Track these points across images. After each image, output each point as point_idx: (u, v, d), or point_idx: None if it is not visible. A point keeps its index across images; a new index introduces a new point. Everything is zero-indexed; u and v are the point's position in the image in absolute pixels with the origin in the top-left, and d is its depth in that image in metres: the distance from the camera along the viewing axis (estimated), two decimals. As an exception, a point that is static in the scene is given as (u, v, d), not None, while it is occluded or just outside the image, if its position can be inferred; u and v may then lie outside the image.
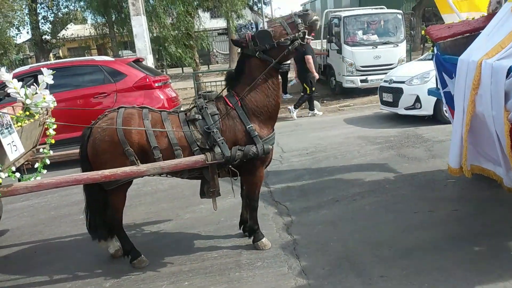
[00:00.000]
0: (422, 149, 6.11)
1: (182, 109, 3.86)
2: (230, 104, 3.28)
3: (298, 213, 4.19)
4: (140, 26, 9.56)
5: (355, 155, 6.12)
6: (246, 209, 3.71)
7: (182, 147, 3.18)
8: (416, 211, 4.02)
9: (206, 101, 3.37)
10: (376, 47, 10.92)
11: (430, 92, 5.31)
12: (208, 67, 27.16)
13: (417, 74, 7.72)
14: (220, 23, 23.92)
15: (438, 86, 4.39)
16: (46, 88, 3.49)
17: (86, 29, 21.97)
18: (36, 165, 3.67)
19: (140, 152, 3.15)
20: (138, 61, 7.66)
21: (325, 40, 12.30)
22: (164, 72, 20.93)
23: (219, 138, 3.15)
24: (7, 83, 3.39)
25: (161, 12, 11.73)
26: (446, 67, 3.92)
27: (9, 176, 2.91)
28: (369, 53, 10.86)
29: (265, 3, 30.93)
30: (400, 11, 11.95)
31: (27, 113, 3.38)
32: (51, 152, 3.80)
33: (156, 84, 7.09)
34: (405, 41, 11.54)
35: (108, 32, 19.23)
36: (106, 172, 3.03)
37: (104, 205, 3.41)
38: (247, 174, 3.40)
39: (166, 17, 12.31)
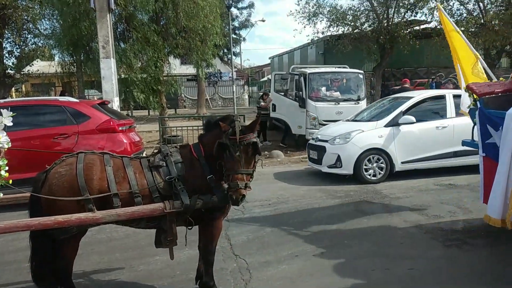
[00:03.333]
0: (380, 205, 6.27)
1: (144, 153, 3.81)
2: (194, 154, 3.29)
3: (257, 268, 4.11)
4: (108, 69, 9.55)
5: (316, 209, 6.19)
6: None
7: (143, 194, 3.12)
8: (373, 269, 4.06)
9: (170, 147, 3.37)
10: (339, 103, 11.41)
11: (465, 143, 5.59)
12: (176, 111, 27.26)
13: (340, 134, 7.96)
14: (190, 70, 24.32)
15: (475, 138, 4.71)
16: (4, 129, 3.36)
17: (52, 66, 21.64)
18: None
19: (99, 200, 3.05)
20: (103, 104, 7.59)
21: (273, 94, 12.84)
22: (130, 114, 20.77)
23: (179, 186, 3.13)
24: None
25: (132, 56, 11.83)
26: (491, 120, 4.24)
27: None
28: (331, 109, 11.31)
29: (234, 55, 32.00)
30: (362, 71, 12.65)
31: None
32: (1, 195, 3.61)
33: (120, 128, 6.99)
34: (365, 99, 12.13)
35: (75, 71, 19.05)
36: (60, 218, 2.90)
37: (52, 254, 3.21)
38: (205, 225, 3.36)
39: (137, 61, 12.42)
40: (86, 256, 4.48)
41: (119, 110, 9.81)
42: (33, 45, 20.82)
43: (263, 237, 5.02)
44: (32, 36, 19.78)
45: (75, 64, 17.89)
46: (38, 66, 23.13)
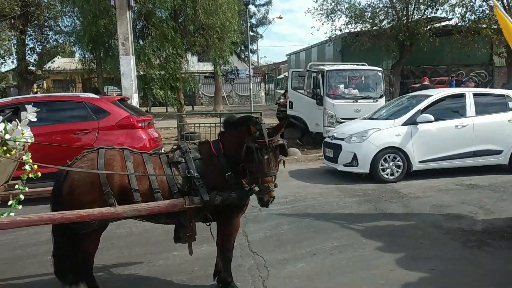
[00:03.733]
0: (399, 205, 6.19)
1: (163, 150, 3.84)
2: (214, 151, 3.31)
3: (275, 266, 4.11)
4: (128, 66, 9.67)
5: (334, 207, 6.15)
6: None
7: (162, 190, 3.16)
8: (393, 269, 4.01)
9: (189, 144, 3.39)
10: (357, 101, 11.30)
11: None
12: (193, 108, 27.44)
13: (356, 132, 7.87)
14: (207, 67, 24.46)
15: None
16: (27, 124, 3.44)
17: (73, 63, 22.03)
18: (10, 201, 3.54)
19: (120, 195, 3.10)
20: (123, 100, 7.68)
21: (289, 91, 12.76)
22: (148, 111, 21.01)
23: (198, 182, 3.14)
24: None
25: (150, 53, 11.94)
26: None
27: None
28: (349, 106, 11.20)
29: (252, 52, 31.99)
30: (380, 69, 12.50)
31: (4, 148, 3.30)
32: (26, 188, 3.70)
33: (139, 124, 7.08)
34: (384, 96, 11.98)
35: (95, 68, 19.35)
36: (82, 212, 2.93)
37: (74, 248, 3.26)
38: (223, 222, 3.38)
39: (155, 58, 12.53)
40: (106, 250, 4.55)
41: (138, 106, 9.93)
42: (54, 42, 21.26)
43: (280, 234, 5.02)
44: (53, 33, 20.19)
45: (95, 60, 18.18)
46: (59, 62, 23.59)
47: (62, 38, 20.87)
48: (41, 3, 17.64)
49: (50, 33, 20.14)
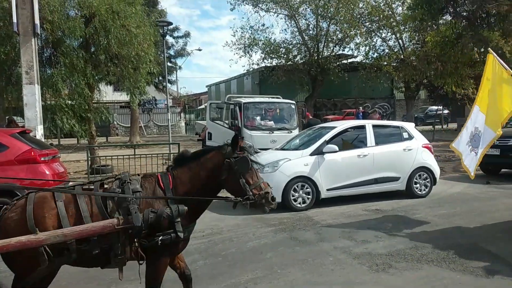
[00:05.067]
0: (312, 232, 6.39)
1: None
2: (161, 183, 3.24)
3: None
4: (32, 95, 9.00)
5: (251, 238, 6.17)
6: None
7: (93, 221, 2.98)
8: (305, 298, 4.09)
9: (131, 175, 3.28)
10: (272, 132, 11.69)
11: None
12: (107, 139, 26.19)
13: (268, 163, 7.93)
14: (123, 97, 23.68)
15: None
16: None
17: (-32, 91, 19.96)
18: None
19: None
20: (24, 133, 7.09)
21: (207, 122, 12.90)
22: (58, 143, 19.57)
23: (133, 207, 3.00)
24: None
25: (59, 82, 11.25)
26: None
27: None
28: (266, 137, 11.54)
29: (170, 82, 31.79)
30: (293, 102, 13.16)
31: None
32: None
33: (42, 158, 6.57)
34: (298, 128, 12.55)
35: (-6, 97, 17.69)
36: None
37: None
38: (153, 259, 3.21)
39: (64, 87, 11.82)
40: None
41: (43, 138, 9.24)
42: None
43: (195, 270, 4.85)
44: None
45: (-6, 89, 16.64)
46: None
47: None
48: None
49: None
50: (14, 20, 8.80)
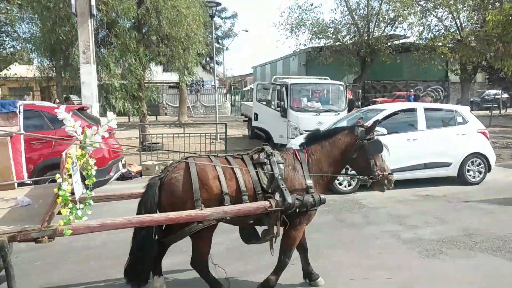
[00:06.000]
0: (359, 215, 6.32)
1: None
2: (299, 157, 3.60)
3: (236, 277, 4.10)
4: (88, 75, 9.41)
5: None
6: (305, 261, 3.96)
7: (248, 191, 3.36)
8: (352, 278, 4.08)
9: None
10: (319, 113, 11.51)
11: None
12: (157, 118, 27.01)
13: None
14: (172, 77, 24.22)
15: None
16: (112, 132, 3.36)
17: (30, 70, 21.20)
18: (79, 205, 3.29)
19: (211, 199, 3.28)
20: (82, 110, 7.46)
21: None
22: (110, 121, 20.37)
23: (282, 185, 3.35)
24: (64, 121, 3.39)
25: (111, 62, 11.68)
26: None
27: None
28: (312, 119, 11.38)
29: (217, 63, 32.07)
30: (342, 83, 12.83)
31: (82, 152, 3.33)
32: (93, 193, 3.53)
33: (100, 134, 6.88)
34: (346, 110, 12.28)
35: (54, 76, 18.69)
36: (171, 215, 3.13)
37: (152, 253, 3.41)
38: (291, 228, 3.55)
39: (117, 67, 12.26)
40: (61, 264, 4.37)
41: (98, 116, 9.67)
42: (11, 49, 20.40)
43: (242, 246, 4.95)
44: (10, 39, 19.37)
45: (54, 68, 17.57)
46: (16, 69, 22.63)
47: (20, 45, 20.09)
48: (-3, 8, 16.97)
49: (7, 39, 19.36)
50: (72, 2, 9.17)
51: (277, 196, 3.31)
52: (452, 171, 8.29)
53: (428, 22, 22.41)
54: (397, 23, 22.63)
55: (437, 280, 4.07)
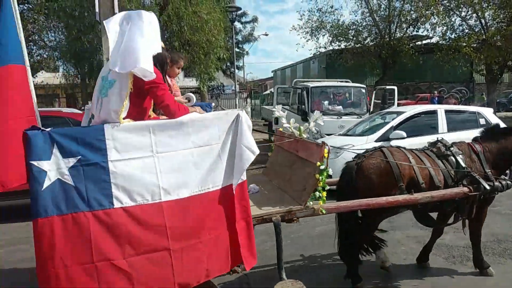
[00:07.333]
0: (384, 221, 6.20)
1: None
2: (475, 149, 4.00)
3: (258, 283, 4.07)
4: (112, 81, 9.62)
5: (319, 222, 6.13)
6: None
7: (439, 179, 3.77)
8: (376, 281, 4.02)
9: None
10: (341, 117, 11.41)
11: None
12: (178, 123, 27.27)
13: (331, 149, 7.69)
14: (193, 83, 24.49)
15: None
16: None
17: (56, 78, 21.82)
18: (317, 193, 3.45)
19: (409, 187, 3.68)
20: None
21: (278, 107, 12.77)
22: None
23: (475, 174, 3.77)
24: (280, 119, 4.02)
25: (135, 68, 11.90)
26: None
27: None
28: (333, 122, 11.29)
29: (237, 68, 32.27)
30: (364, 86, 12.70)
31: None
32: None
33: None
34: (368, 113, 12.14)
35: (79, 83, 19.21)
36: (390, 198, 3.55)
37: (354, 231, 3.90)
38: (477, 212, 3.93)
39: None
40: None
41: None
42: (38, 57, 21.04)
43: (265, 250, 4.97)
44: (37, 47, 19.98)
45: (79, 75, 18.06)
46: (43, 77, 23.32)
47: (46, 53, 20.71)
48: (25, 18, 17.52)
49: (34, 47, 19.98)
50: (97, 9, 9.40)
51: (468, 183, 3.72)
52: (475, 175, 8.05)
53: (451, 22, 21.93)
54: (419, 23, 22.25)
55: (465, 287, 3.96)
